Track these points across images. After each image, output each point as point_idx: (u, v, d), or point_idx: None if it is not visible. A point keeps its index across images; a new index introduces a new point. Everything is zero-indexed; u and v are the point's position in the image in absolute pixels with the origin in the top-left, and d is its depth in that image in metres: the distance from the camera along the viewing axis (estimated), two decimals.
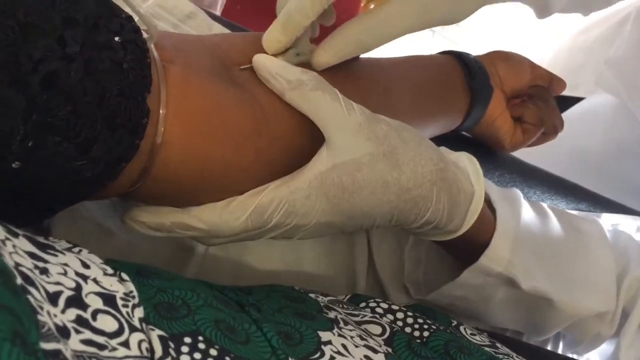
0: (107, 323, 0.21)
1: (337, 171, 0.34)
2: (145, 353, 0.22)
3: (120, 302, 0.23)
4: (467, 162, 0.42)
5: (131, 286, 0.24)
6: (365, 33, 0.38)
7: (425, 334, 0.37)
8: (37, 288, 0.20)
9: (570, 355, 0.53)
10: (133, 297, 0.24)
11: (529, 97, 0.62)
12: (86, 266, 0.24)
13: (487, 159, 0.66)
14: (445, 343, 0.35)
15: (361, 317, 0.36)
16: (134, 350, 0.22)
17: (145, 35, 0.31)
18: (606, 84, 0.80)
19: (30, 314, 0.17)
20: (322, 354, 0.29)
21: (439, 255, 0.50)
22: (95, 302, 0.22)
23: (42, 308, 0.19)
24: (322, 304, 0.35)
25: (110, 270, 0.24)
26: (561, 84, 0.63)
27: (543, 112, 0.60)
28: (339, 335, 0.31)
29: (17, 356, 0.15)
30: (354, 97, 0.37)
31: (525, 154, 0.68)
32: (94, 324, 0.21)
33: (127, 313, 0.23)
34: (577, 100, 0.91)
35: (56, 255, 0.23)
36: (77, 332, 0.20)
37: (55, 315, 0.20)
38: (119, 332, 0.22)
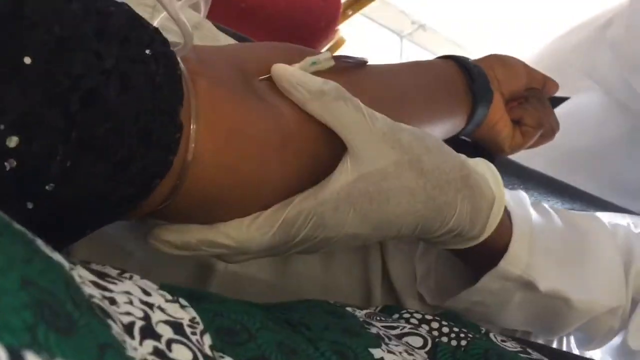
0: (182, 353, 0.20)
1: (364, 181, 0.34)
2: None
3: (188, 330, 0.21)
4: (485, 168, 0.42)
5: (193, 312, 0.23)
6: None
7: (463, 342, 0.36)
8: (114, 321, 0.18)
9: (583, 354, 0.53)
10: (197, 323, 0.22)
11: (525, 100, 0.62)
12: (147, 293, 0.22)
13: None
14: (485, 351, 0.35)
15: (400, 330, 0.35)
16: None
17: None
18: (598, 74, 0.81)
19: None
20: None
21: (448, 263, 0.50)
22: (166, 332, 0.20)
23: (124, 342, 0.17)
24: (361, 319, 0.34)
25: (169, 297, 0.23)
26: (554, 85, 0.64)
27: (541, 114, 0.61)
28: (389, 352, 0.30)
29: None
30: (373, 105, 0.36)
31: (515, 155, 0.68)
32: (170, 355, 0.19)
33: (197, 341, 0.21)
34: (562, 100, 0.93)
35: (116, 283, 0.21)
36: None
37: (135, 349, 0.18)
38: None
